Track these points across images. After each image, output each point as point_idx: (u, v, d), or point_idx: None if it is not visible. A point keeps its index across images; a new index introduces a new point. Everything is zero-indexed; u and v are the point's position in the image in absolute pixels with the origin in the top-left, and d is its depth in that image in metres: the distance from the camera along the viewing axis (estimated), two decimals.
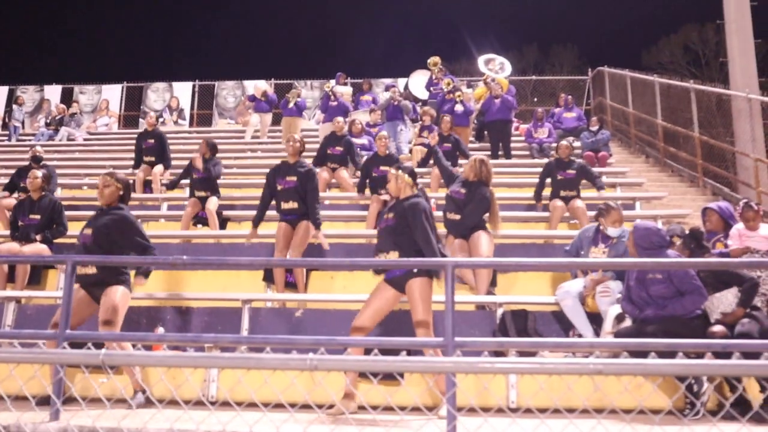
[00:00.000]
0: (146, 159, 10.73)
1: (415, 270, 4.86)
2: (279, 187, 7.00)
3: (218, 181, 9.20)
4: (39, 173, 7.72)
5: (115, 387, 4.97)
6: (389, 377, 5.11)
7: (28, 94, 19.77)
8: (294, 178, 6.96)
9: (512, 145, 13.03)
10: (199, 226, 9.02)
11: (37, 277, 7.40)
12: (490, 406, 4.77)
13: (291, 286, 7.08)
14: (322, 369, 2.27)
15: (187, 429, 3.55)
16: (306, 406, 3.34)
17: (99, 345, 3.91)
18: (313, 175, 7.02)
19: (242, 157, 13.59)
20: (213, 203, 8.85)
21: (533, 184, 10.29)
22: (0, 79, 25.48)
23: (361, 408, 4.79)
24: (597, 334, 5.67)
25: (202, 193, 8.88)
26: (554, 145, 11.73)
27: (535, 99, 20.82)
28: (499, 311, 6.14)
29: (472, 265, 5.72)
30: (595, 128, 12.81)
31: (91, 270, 5.02)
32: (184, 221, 8.80)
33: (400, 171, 5.28)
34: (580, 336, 5.77)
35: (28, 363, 2.44)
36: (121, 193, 5.43)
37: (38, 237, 7.32)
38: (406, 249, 5.01)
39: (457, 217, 6.86)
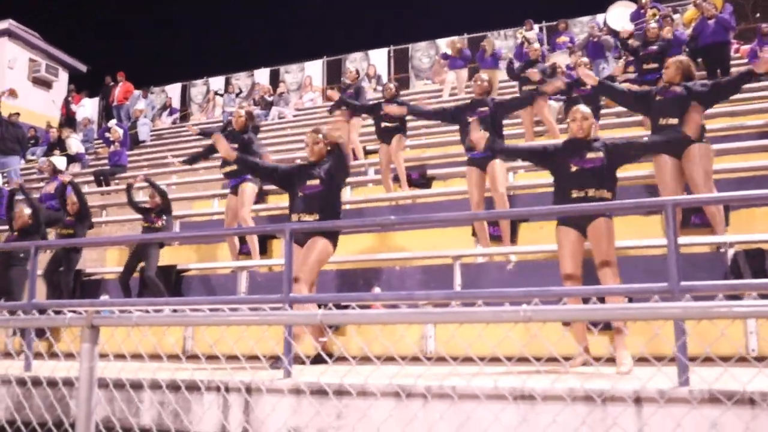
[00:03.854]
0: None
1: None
2: (470, 119, 6.82)
3: (421, 141, 9.23)
4: (242, 112, 8.23)
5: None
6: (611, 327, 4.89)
7: (241, 81, 21.28)
8: (485, 109, 6.87)
9: (733, 69, 11.75)
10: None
11: (263, 247, 7.99)
12: (725, 354, 4.36)
13: (496, 239, 6.98)
14: (536, 320, 2.16)
15: (407, 384, 3.63)
16: (522, 359, 3.26)
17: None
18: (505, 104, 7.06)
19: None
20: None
21: (761, 109, 9.24)
22: (218, 67, 27.83)
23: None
24: None
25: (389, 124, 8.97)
26: None
27: (758, 15, 18.56)
28: (731, 252, 5.58)
29: (697, 203, 5.21)
30: None
31: (314, 217, 5.37)
32: (384, 176, 8.97)
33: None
34: None
35: (256, 325, 2.58)
36: (329, 148, 5.68)
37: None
38: (611, 190, 4.76)
39: (675, 120, 5.77)
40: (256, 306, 4.77)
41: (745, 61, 12.65)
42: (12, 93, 15.20)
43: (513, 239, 6.93)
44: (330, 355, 5.03)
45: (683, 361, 3.31)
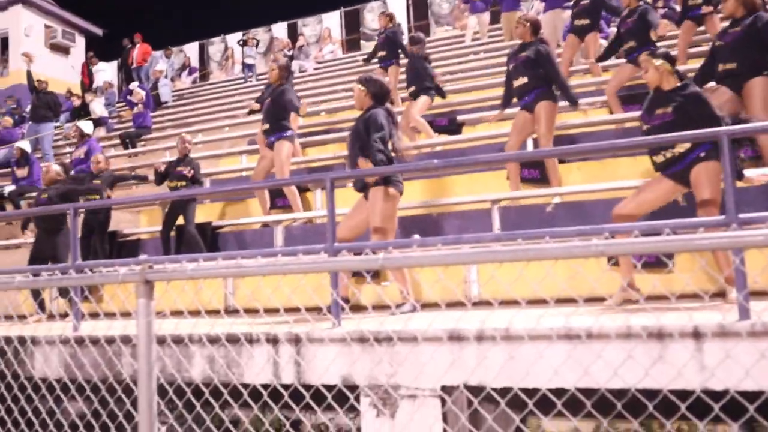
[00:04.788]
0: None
1: (702, 154, 4.45)
2: (511, 66, 6.78)
3: (449, 88, 9.07)
4: (275, 65, 8.17)
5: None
6: (659, 264, 4.81)
7: (259, 36, 21.03)
8: (526, 54, 6.69)
9: None
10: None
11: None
12: None
13: (531, 181, 6.86)
14: (608, 254, 2.10)
15: (457, 328, 3.59)
16: (565, 300, 3.20)
17: None
18: (549, 53, 6.70)
19: (466, 61, 13.38)
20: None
21: None
22: (234, 24, 27.57)
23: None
24: None
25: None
26: None
27: None
28: None
29: (751, 132, 5.01)
30: None
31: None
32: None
33: (655, 58, 4.81)
34: None
35: (313, 272, 2.54)
36: (372, 101, 5.39)
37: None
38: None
39: (733, 65, 5.69)
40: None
41: None
42: (27, 56, 15.14)
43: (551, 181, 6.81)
44: (347, 301, 5.02)
45: (744, 295, 3.23)
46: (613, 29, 9.62)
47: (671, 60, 4.79)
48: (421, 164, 4.30)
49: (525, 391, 3.10)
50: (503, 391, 3.21)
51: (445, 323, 3.65)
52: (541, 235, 3.68)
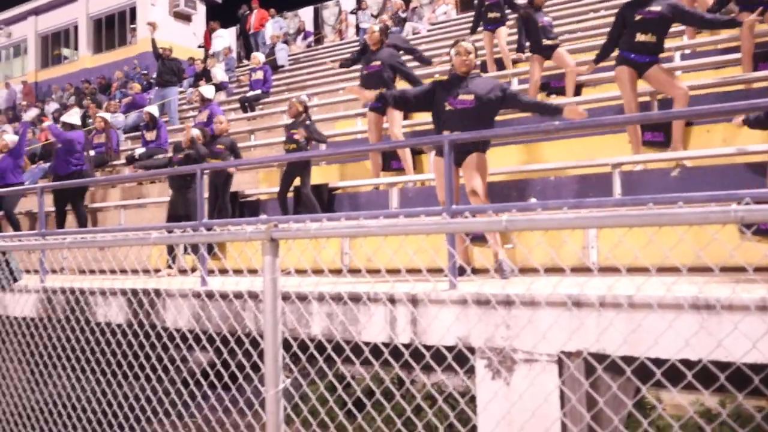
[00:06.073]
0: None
1: None
2: (637, 18, 6.37)
3: (569, 47, 8.79)
4: (376, 27, 8.08)
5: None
6: None
7: None
8: (658, 9, 6.30)
9: None
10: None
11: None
12: None
13: (653, 144, 6.54)
14: (749, 221, 1.97)
15: (576, 293, 3.51)
16: (698, 269, 3.04)
17: None
18: (682, 5, 6.35)
19: (585, 20, 12.85)
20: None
21: None
22: None
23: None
24: None
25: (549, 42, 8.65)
26: None
27: None
28: None
29: None
30: None
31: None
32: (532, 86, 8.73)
33: None
34: None
35: (436, 233, 2.54)
36: (477, 61, 5.40)
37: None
38: None
39: None
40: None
41: None
42: (151, 25, 15.84)
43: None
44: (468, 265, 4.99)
45: None
46: None
47: None
48: (542, 126, 4.18)
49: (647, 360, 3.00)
50: (624, 360, 3.12)
51: (569, 288, 3.58)
52: (668, 200, 3.51)
